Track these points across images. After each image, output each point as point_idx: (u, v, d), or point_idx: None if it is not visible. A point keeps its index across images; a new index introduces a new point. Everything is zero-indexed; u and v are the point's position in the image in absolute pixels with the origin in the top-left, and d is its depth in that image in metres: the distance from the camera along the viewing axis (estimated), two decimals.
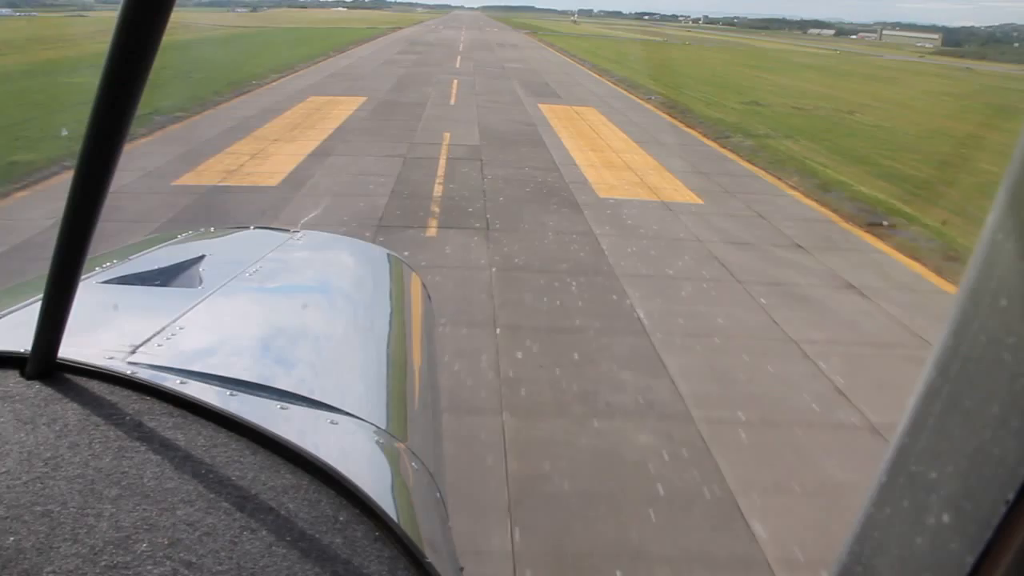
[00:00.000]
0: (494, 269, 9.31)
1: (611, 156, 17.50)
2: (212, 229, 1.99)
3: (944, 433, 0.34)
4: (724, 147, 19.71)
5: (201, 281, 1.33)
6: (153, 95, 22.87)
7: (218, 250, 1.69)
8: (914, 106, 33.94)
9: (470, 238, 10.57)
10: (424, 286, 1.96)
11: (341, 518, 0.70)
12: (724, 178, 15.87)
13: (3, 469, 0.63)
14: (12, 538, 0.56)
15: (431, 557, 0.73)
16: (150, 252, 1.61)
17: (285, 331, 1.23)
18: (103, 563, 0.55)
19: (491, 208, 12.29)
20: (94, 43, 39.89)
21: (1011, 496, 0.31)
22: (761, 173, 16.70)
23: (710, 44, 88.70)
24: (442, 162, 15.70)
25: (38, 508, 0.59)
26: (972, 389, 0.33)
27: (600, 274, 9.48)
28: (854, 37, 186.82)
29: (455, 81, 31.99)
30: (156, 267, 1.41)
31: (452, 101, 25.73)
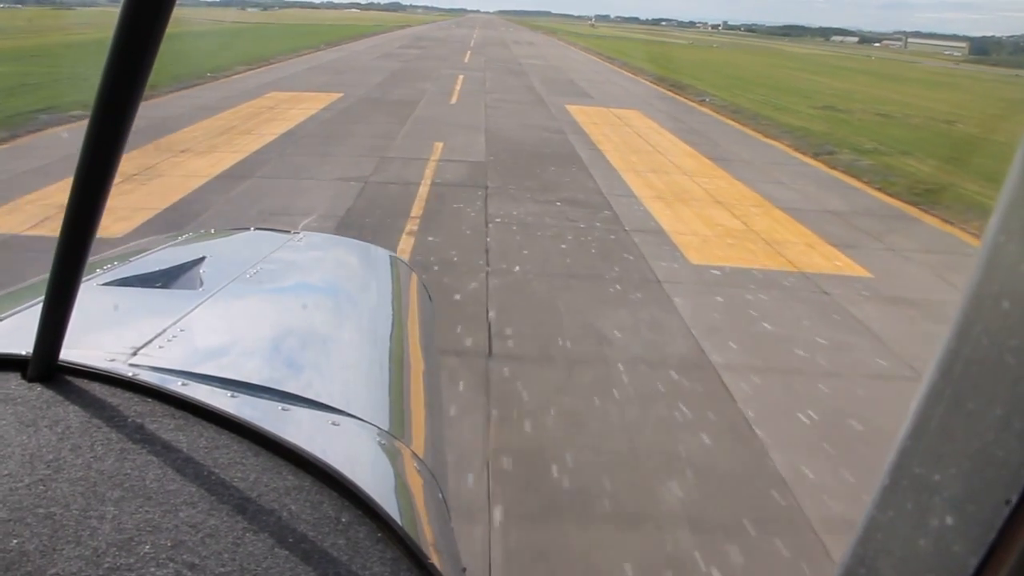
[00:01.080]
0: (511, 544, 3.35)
1: (683, 181, 11.59)
2: (212, 231, 2.01)
3: (947, 435, 0.35)
4: (834, 168, 13.76)
5: (202, 283, 1.32)
6: (64, 89, 17.26)
7: (219, 251, 1.68)
8: (1012, 117, 27.94)
9: (456, 418, 4.50)
10: (425, 287, 1.94)
11: (343, 519, 0.70)
12: (870, 221, 9.93)
13: (5, 472, 0.64)
14: (15, 540, 0.56)
15: (433, 558, 0.73)
16: (150, 254, 1.59)
17: (286, 332, 1.22)
18: (106, 565, 0.56)
19: (499, 303, 6.29)
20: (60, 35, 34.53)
21: (1014, 498, 0.31)
22: (921, 215, 10.69)
23: (740, 47, 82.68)
24: (422, 191, 9.84)
25: (41, 511, 0.59)
26: (975, 391, 0.33)
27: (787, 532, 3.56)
28: (877, 45, 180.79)
29: (460, 77, 26.35)
30: (157, 269, 1.41)
31: (453, 100, 19.97)
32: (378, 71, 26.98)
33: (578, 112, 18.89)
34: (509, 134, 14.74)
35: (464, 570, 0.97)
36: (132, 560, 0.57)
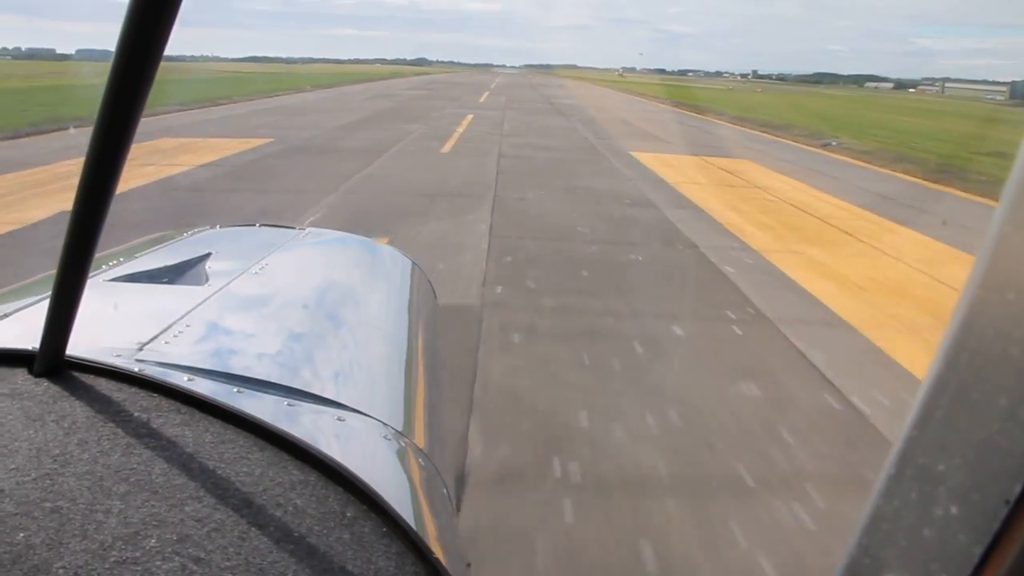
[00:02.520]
0: None
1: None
2: (218, 227, 1.95)
3: (951, 426, 0.35)
4: None
5: (208, 278, 1.32)
6: None
7: (224, 247, 1.68)
8: None
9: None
10: (430, 283, 1.92)
11: (348, 514, 0.71)
12: None
13: (12, 466, 0.64)
14: (22, 534, 0.57)
15: (438, 552, 0.74)
16: (156, 250, 1.58)
17: (292, 328, 1.21)
18: (112, 559, 0.56)
19: None
20: None
21: (1018, 488, 0.31)
22: None
23: (785, 92, 75.33)
24: None
25: (47, 504, 0.60)
26: (979, 382, 0.33)
27: None
28: (912, 91, 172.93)
29: (467, 117, 19.17)
30: (163, 264, 1.41)
31: (445, 147, 12.40)
32: (354, 111, 19.73)
33: (656, 162, 11.18)
34: (541, 217, 7.05)
35: (468, 565, 0.95)
36: (138, 554, 0.57)
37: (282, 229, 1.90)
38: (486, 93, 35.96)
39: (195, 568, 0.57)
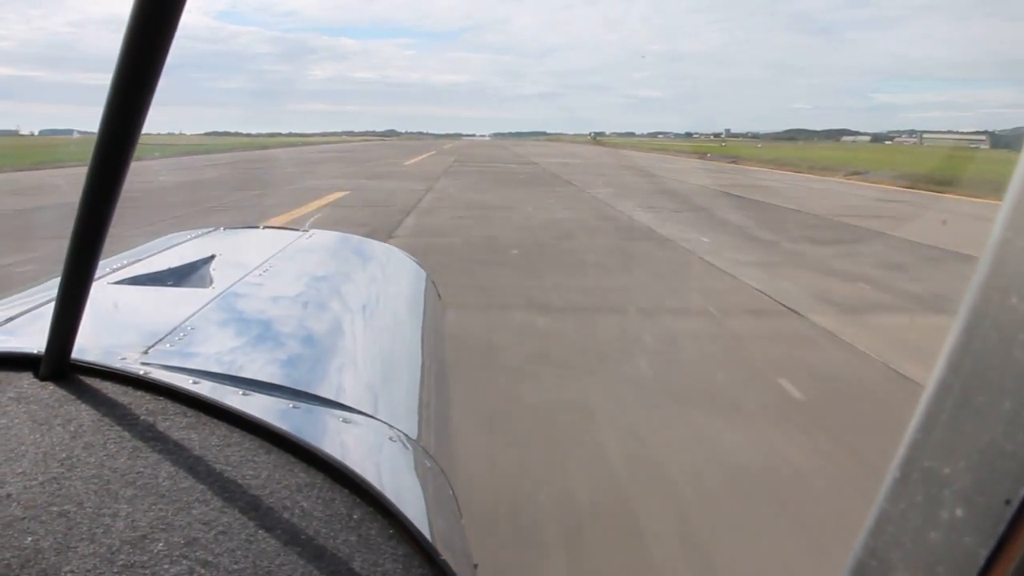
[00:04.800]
0: None
1: None
2: (222, 228, 1.98)
3: (956, 429, 0.35)
4: None
5: (212, 281, 1.33)
6: None
7: (229, 249, 1.70)
8: None
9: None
10: (435, 284, 1.94)
11: (355, 516, 0.71)
12: None
13: (20, 470, 0.65)
14: (30, 538, 0.57)
15: (445, 554, 0.74)
16: (161, 252, 1.59)
17: (296, 330, 1.22)
18: (120, 562, 0.57)
19: None
20: None
21: (1023, 491, 0.32)
22: None
23: (780, 146, 71.26)
24: None
25: (55, 508, 0.60)
26: (984, 386, 0.34)
27: None
28: (888, 143, 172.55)
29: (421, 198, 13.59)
30: (167, 267, 1.42)
31: None
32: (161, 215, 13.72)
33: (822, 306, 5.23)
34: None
35: (475, 566, 0.95)
36: (146, 557, 0.57)
37: (286, 231, 1.94)
38: (449, 159, 36.62)
39: (203, 571, 0.57)
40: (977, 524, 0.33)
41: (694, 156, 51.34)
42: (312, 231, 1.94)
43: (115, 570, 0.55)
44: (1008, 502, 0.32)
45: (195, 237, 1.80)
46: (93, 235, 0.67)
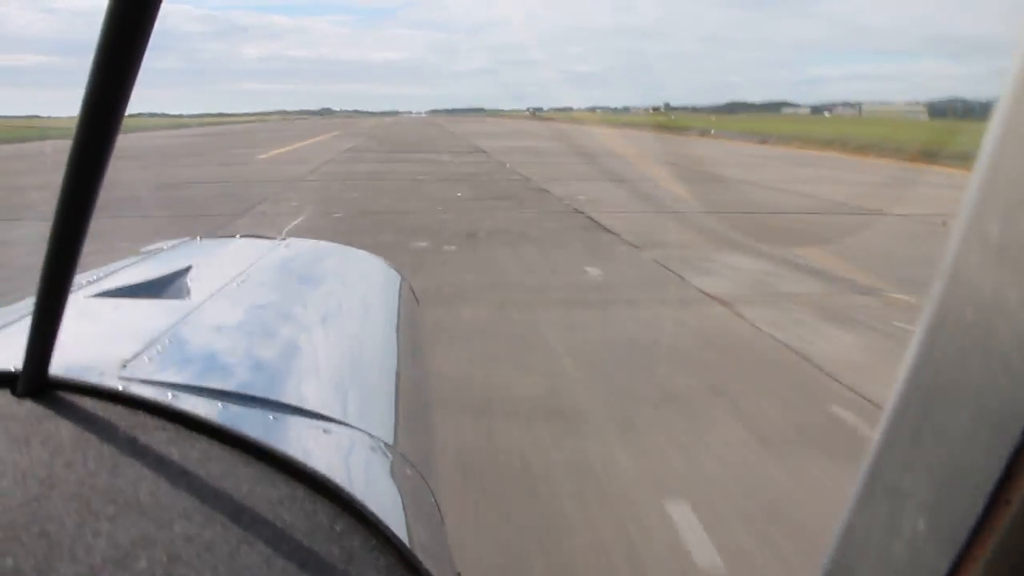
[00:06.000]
0: None
1: None
2: (199, 239, 2.00)
3: (917, 443, 0.36)
4: None
5: (189, 292, 1.31)
6: None
7: (205, 260, 1.69)
8: None
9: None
10: (413, 291, 1.96)
11: (337, 528, 0.71)
12: None
13: None
14: (10, 559, 0.56)
15: (427, 563, 0.74)
16: (137, 263, 1.60)
17: (275, 340, 1.21)
18: None
19: None
20: None
21: (982, 504, 0.32)
22: None
23: (732, 120, 70.01)
24: None
25: (35, 528, 0.59)
26: (942, 400, 0.34)
27: None
28: (827, 114, 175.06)
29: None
30: (144, 279, 1.41)
31: None
32: None
33: None
34: None
35: (459, 574, 0.95)
36: (129, 575, 0.57)
37: (263, 240, 1.92)
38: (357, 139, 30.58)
39: None
40: (939, 537, 0.34)
41: (663, 131, 48.97)
42: (289, 240, 1.93)
43: None
44: (968, 515, 0.32)
45: (171, 248, 1.79)
46: (69, 247, 0.67)
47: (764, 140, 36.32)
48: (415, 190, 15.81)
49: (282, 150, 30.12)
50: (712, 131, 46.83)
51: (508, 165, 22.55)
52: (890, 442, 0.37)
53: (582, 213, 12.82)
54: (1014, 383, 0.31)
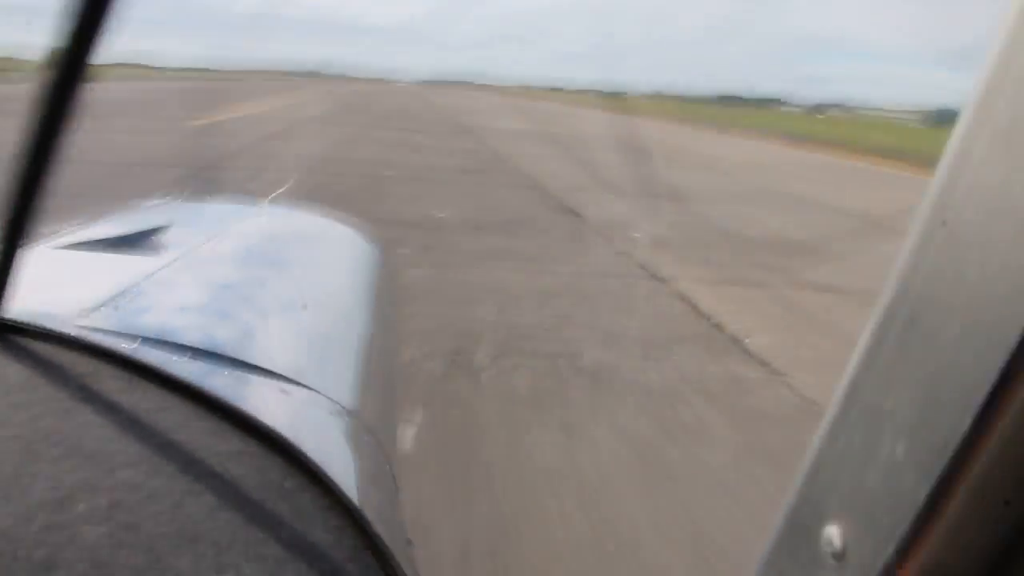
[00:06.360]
0: None
1: None
2: (180, 200, 2.01)
3: (901, 359, 0.33)
4: None
5: (162, 250, 1.31)
6: None
7: (182, 219, 1.69)
8: None
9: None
10: (389, 261, 1.97)
11: (287, 485, 0.70)
12: None
13: None
14: None
15: (379, 527, 0.73)
16: (112, 219, 1.59)
17: (243, 301, 1.23)
18: (39, 523, 0.55)
19: None
20: None
21: (967, 421, 0.30)
22: None
23: (729, 112, 68.25)
24: None
25: None
26: (932, 309, 0.32)
27: None
28: (821, 117, 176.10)
29: None
30: (117, 234, 1.39)
31: None
32: None
33: None
34: None
35: (410, 542, 0.95)
36: (66, 518, 0.56)
37: (243, 205, 1.95)
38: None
39: (125, 535, 0.56)
40: (918, 461, 0.32)
41: (672, 122, 44.18)
42: (267, 204, 1.94)
43: (33, 530, 0.54)
44: (951, 436, 0.30)
45: (151, 207, 1.79)
46: (31, 193, 0.66)
47: (799, 142, 30.94)
48: (377, 188, 10.43)
49: (233, 115, 21.52)
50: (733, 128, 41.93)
51: (507, 156, 16.09)
52: (871, 358, 0.34)
53: (658, 279, 6.51)
54: (1012, 291, 0.29)
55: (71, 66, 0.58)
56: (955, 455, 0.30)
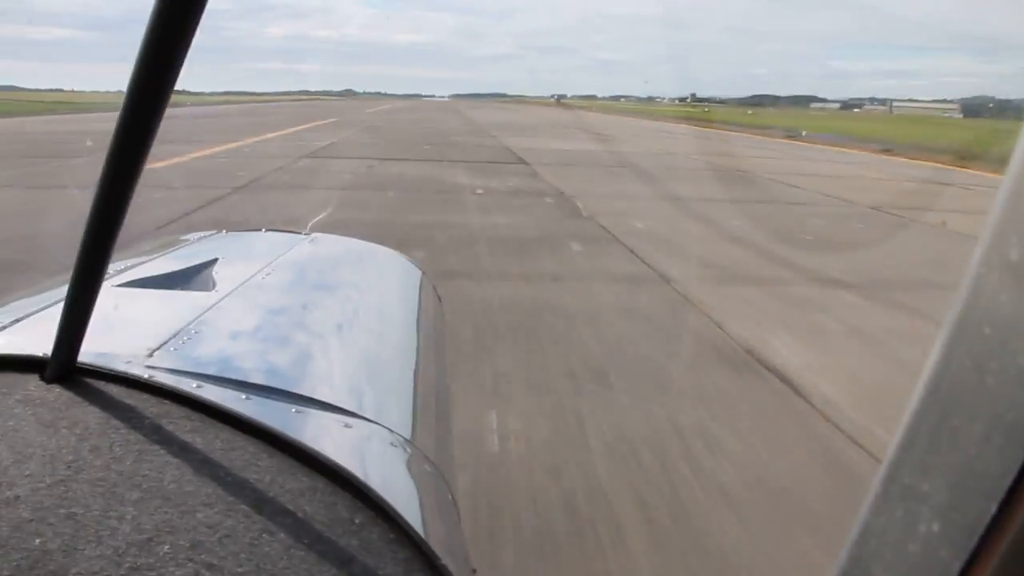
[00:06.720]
0: None
1: None
2: (225, 232, 1.98)
3: (934, 448, 0.37)
4: None
5: (215, 284, 1.31)
6: None
7: (232, 253, 1.69)
8: None
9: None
10: (434, 288, 1.96)
11: (357, 520, 0.72)
12: None
13: (27, 472, 0.65)
14: (38, 540, 0.58)
15: (444, 558, 0.75)
16: (164, 255, 1.60)
17: (298, 334, 1.22)
18: (127, 565, 0.57)
19: None
20: None
21: (994, 507, 0.34)
22: None
23: (763, 114, 67.31)
24: None
25: (62, 511, 0.61)
26: (960, 409, 0.36)
27: None
28: (857, 111, 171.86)
29: None
30: (171, 270, 1.41)
31: None
32: None
33: None
34: None
35: (474, 571, 0.94)
36: (152, 560, 0.58)
37: (288, 234, 1.94)
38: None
39: (208, 574, 0.58)
40: (952, 538, 0.35)
41: (713, 128, 38.73)
42: (314, 235, 1.92)
43: (121, 572, 0.56)
44: (981, 518, 0.34)
45: (198, 240, 1.79)
46: (105, 236, 0.67)
47: (886, 149, 27.20)
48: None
49: (246, 141, 19.72)
50: (803, 132, 37.33)
51: (582, 208, 10.82)
52: (908, 446, 0.38)
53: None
54: (1021, 398, 0.33)
55: (142, 109, 0.58)
56: (985, 533, 0.34)
